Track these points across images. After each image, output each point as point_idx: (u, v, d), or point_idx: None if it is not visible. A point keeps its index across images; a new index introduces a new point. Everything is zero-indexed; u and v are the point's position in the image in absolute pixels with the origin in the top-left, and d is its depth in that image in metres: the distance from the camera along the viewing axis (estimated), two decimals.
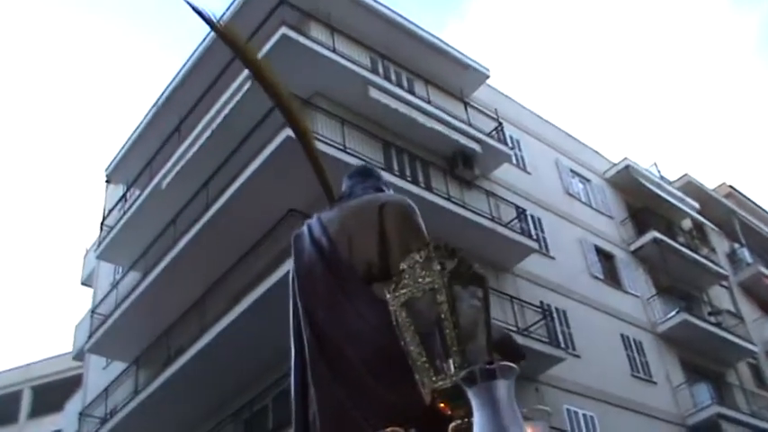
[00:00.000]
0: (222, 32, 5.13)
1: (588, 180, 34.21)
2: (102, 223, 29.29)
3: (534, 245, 25.61)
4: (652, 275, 33.17)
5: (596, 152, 36.48)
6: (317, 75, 21.71)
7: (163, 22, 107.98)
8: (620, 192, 35.48)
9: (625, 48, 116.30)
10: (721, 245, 40.89)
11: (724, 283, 37.91)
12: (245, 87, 21.41)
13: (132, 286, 25.02)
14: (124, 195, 28.86)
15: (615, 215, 34.18)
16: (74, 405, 32.81)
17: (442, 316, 2.62)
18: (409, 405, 3.43)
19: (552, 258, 28.03)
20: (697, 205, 38.44)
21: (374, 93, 23.33)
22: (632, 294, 31.27)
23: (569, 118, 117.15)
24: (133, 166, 28.11)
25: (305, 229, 4.39)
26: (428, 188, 22.78)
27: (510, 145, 28.60)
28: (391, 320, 3.37)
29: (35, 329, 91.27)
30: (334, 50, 23.10)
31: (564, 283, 26.97)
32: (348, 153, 20.91)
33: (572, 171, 33.47)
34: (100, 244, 28.62)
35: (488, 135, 26.75)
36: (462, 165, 25.59)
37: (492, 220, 24.28)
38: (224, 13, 24.10)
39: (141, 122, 28.39)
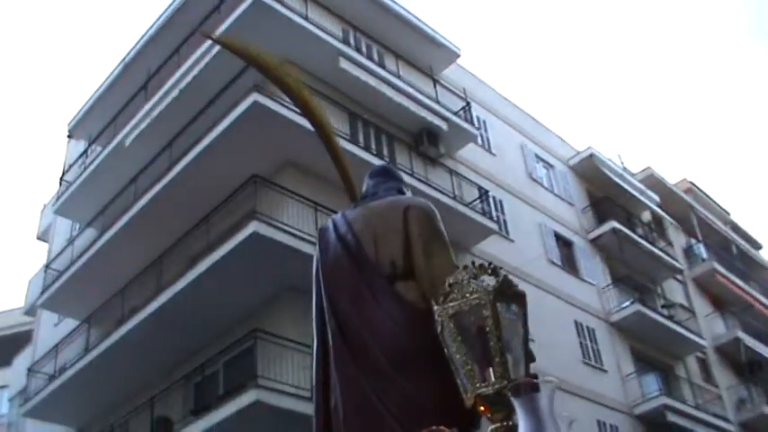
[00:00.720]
0: (245, 53, 5.58)
1: (552, 166, 34.33)
2: (61, 178, 28.96)
3: (494, 226, 25.64)
4: (609, 265, 33.41)
5: (562, 139, 36.63)
6: (288, 42, 21.49)
7: None
8: (582, 180, 35.66)
9: (597, 38, 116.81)
10: (678, 239, 41.27)
11: (679, 277, 38.28)
12: (216, 49, 21.21)
13: (89, 243, 24.76)
14: (85, 151, 28.50)
15: (576, 203, 34.34)
16: (22, 361, 32.54)
17: (487, 329, 2.89)
18: (428, 397, 3.87)
19: (511, 241, 28.13)
20: (657, 198, 38.76)
21: (344, 64, 23.23)
22: (588, 282, 31.46)
23: (537, 103, 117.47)
24: (96, 123, 27.76)
25: (329, 224, 4.69)
26: (392, 163, 22.69)
27: (476, 125, 28.60)
28: (413, 318, 4.06)
29: None
30: (306, 18, 22.95)
31: (521, 267, 27.04)
32: None
33: (536, 156, 33.57)
34: (58, 199, 28.28)
35: (455, 114, 26.74)
36: (428, 142, 25.55)
37: (454, 198, 24.27)
38: None
39: (107, 78, 27.96)
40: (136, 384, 21.75)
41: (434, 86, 27.23)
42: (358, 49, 24.93)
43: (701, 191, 47.08)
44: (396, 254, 4.29)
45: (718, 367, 37.52)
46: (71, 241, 27.53)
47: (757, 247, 51.71)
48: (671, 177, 43.59)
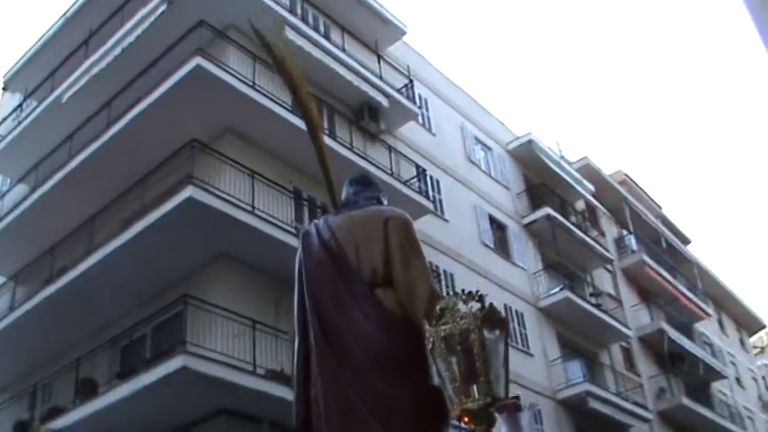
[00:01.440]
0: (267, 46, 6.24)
1: (490, 149, 34.46)
2: None
3: (430, 205, 25.64)
4: (541, 251, 33.71)
5: (502, 123, 36.80)
6: (232, 7, 21.23)
7: None
8: (520, 165, 35.87)
9: (542, 27, 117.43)
10: (610, 230, 41.81)
11: (608, 266, 38.79)
12: (161, 9, 20.95)
13: (20, 199, 24.30)
14: (21, 105, 27.90)
15: (512, 187, 34.53)
16: None
17: (474, 351, 3.34)
18: (404, 398, 4.21)
19: (446, 221, 28.21)
20: (592, 188, 39.17)
21: (289, 33, 22.98)
22: (520, 267, 31.70)
23: (480, 86, 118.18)
24: (34, 76, 27.13)
25: (312, 228, 5.02)
26: (332, 136, 22.58)
27: (418, 104, 28.63)
28: (390, 323, 4.43)
29: None
30: None
31: (454, 247, 27.17)
32: (257, 90, 20.64)
33: (476, 138, 33.67)
34: None
35: (398, 91, 26.72)
36: (368, 117, 25.52)
37: (391, 175, 24.23)
38: None
39: (47, 32, 27.31)
40: (61, 345, 21.42)
41: (379, 62, 27.16)
42: (304, 20, 24.75)
43: (635, 183, 47.63)
44: (376, 262, 4.64)
45: (641, 357, 38.17)
46: (1, 196, 27.00)
47: (686, 241, 52.55)
48: (607, 168, 44.03)
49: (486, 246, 30.35)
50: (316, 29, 25.03)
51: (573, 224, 35.19)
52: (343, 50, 25.23)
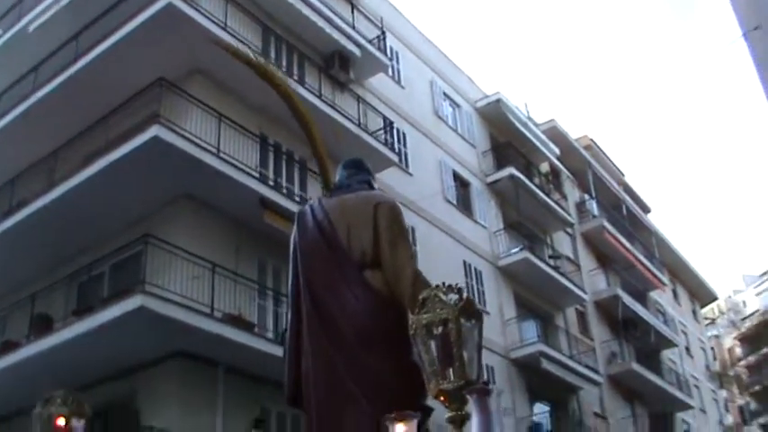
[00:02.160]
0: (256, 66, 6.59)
1: (459, 106, 34.42)
2: None
3: (395, 158, 25.57)
4: (503, 210, 33.79)
5: (471, 80, 36.75)
6: None
7: None
8: (487, 123, 35.86)
9: None
10: (573, 194, 42.04)
11: (569, 230, 39.04)
12: None
13: None
14: None
15: (478, 145, 34.54)
16: None
17: (452, 339, 3.71)
18: (389, 373, 4.58)
19: (410, 175, 28.19)
20: (557, 151, 39.36)
21: None
22: (481, 225, 31.79)
23: (452, 43, 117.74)
24: (1, 3, 26.69)
25: (307, 208, 5.38)
26: (301, 82, 22.41)
27: (389, 56, 28.45)
28: (377, 303, 4.80)
29: None
30: None
31: (417, 201, 27.14)
32: (228, 32, 20.38)
33: (444, 94, 33.61)
34: None
35: (369, 42, 26.55)
36: (338, 66, 25.30)
37: (359, 126, 24.14)
38: None
39: None
40: (18, 279, 21.22)
41: (352, 12, 26.96)
42: None
43: (600, 149, 47.87)
44: (366, 245, 4.97)
45: (594, 321, 38.54)
46: None
47: (646, 210, 53.00)
48: (573, 133, 44.16)
49: (449, 202, 30.38)
50: None
51: (536, 186, 35.26)
52: None
